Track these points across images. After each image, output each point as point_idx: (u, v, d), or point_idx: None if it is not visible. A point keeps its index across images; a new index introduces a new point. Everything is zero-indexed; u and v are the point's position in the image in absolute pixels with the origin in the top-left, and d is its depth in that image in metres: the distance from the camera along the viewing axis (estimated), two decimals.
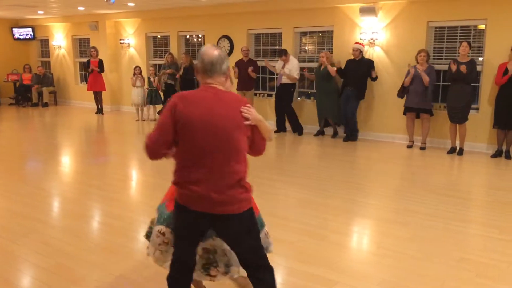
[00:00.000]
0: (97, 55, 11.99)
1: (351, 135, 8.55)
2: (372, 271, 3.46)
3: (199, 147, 2.25)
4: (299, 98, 9.79)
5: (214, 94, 2.32)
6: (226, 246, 2.57)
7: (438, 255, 3.72)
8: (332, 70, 8.42)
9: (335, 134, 8.89)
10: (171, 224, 2.60)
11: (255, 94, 10.19)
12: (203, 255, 2.60)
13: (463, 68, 7.01)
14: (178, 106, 2.26)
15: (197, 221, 2.34)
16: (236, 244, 2.42)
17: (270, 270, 2.45)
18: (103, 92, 12.25)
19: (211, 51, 2.36)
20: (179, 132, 2.26)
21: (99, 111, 12.29)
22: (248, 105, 2.37)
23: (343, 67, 8.55)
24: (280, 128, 9.39)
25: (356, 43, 8.42)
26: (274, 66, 9.43)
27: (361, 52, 8.29)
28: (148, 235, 2.86)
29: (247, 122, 2.32)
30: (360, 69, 8.25)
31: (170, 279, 2.48)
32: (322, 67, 8.61)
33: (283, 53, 9.01)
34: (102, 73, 12.03)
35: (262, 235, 2.67)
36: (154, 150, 2.33)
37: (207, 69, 2.34)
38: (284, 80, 9.09)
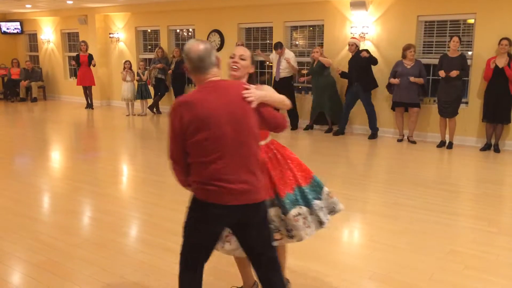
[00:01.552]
0: (86, 50, 11.88)
1: (372, 132, 8.32)
2: (363, 264, 3.49)
3: (214, 141, 2.19)
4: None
5: (214, 88, 2.26)
6: (281, 213, 2.68)
7: (427, 247, 3.76)
8: (326, 61, 8.33)
9: (329, 130, 8.83)
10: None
11: None
12: None
13: (453, 74, 7.06)
14: (181, 111, 2.20)
15: (231, 216, 2.26)
16: (253, 235, 2.36)
17: (278, 268, 2.43)
18: (93, 86, 12.17)
19: (196, 46, 2.28)
20: (191, 135, 2.20)
21: (89, 106, 12.20)
22: (247, 86, 2.32)
23: (346, 70, 8.40)
24: None
25: (353, 38, 8.33)
26: (268, 55, 9.38)
27: (356, 46, 8.21)
28: None
29: (253, 105, 2.27)
30: (360, 63, 8.11)
31: (183, 276, 2.39)
32: (315, 62, 8.56)
33: (278, 46, 8.87)
34: (91, 68, 11.94)
35: (324, 196, 2.83)
36: (179, 167, 2.32)
37: (197, 66, 2.27)
38: (283, 73, 8.98)
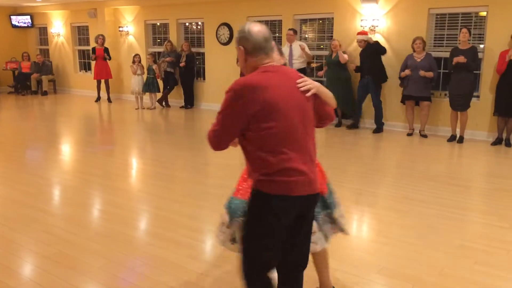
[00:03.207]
0: (103, 43, 11.93)
1: (378, 127, 8.32)
2: (372, 258, 3.48)
3: (284, 129, 2.06)
4: None
5: (277, 72, 2.13)
6: None
7: (437, 242, 3.74)
8: (343, 58, 8.23)
9: (338, 124, 8.72)
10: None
11: None
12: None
13: (461, 59, 6.97)
14: (247, 96, 2.02)
15: (296, 207, 2.14)
16: (303, 231, 2.26)
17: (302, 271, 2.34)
18: (104, 80, 12.21)
19: (258, 27, 2.13)
20: (254, 120, 2.03)
21: (99, 99, 12.27)
22: (302, 75, 2.25)
23: (358, 63, 8.40)
24: None
25: (359, 33, 8.23)
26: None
27: (365, 41, 8.15)
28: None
29: (310, 93, 2.17)
30: (370, 55, 8.09)
31: (252, 276, 2.24)
32: (334, 54, 8.45)
33: (292, 30, 8.78)
34: (108, 61, 12.01)
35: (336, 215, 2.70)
36: (220, 144, 2.14)
37: (262, 47, 2.11)
38: (297, 63, 8.81)
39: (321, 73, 8.82)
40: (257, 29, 2.12)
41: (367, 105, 8.56)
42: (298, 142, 2.11)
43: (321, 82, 8.99)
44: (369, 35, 8.28)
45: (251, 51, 2.13)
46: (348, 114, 8.71)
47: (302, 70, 8.85)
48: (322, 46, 9.47)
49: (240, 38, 2.15)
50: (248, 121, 2.04)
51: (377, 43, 8.14)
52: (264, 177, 2.08)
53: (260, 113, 2.03)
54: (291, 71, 2.23)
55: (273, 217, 2.12)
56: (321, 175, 2.69)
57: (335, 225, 2.75)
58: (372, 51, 8.11)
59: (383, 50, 8.08)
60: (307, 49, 8.73)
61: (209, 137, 2.15)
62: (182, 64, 10.71)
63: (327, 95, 2.31)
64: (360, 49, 8.36)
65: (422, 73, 7.48)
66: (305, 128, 2.14)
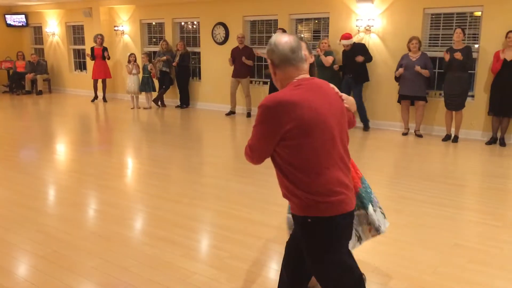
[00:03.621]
0: (102, 43, 11.89)
1: (364, 124, 8.40)
2: (366, 257, 3.49)
3: (323, 143, 2.01)
4: None
5: (311, 85, 2.06)
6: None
7: (431, 241, 3.76)
8: (325, 60, 8.26)
9: None
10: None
11: (251, 82, 10.16)
12: None
13: (458, 55, 7.01)
14: (279, 113, 1.96)
15: (349, 224, 2.14)
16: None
17: None
18: (100, 80, 12.17)
19: (284, 38, 2.07)
20: (289, 138, 1.98)
21: (96, 98, 12.22)
22: (332, 85, 2.22)
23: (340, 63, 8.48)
24: None
25: (343, 38, 8.22)
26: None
27: (349, 44, 8.21)
28: None
29: (346, 105, 2.18)
30: (353, 55, 8.17)
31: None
32: (321, 55, 8.52)
33: (281, 31, 8.88)
34: (106, 61, 11.97)
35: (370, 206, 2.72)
36: (257, 158, 2.12)
37: (288, 59, 2.05)
38: None
39: None
40: (284, 40, 2.07)
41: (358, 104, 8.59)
42: (337, 153, 2.07)
43: None
44: (353, 39, 8.31)
45: (277, 63, 2.09)
46: None
47: None
48: (317, 46, 9.46)
49: (268, 50, 2.11)
50: (281, 138, 1.99)
51: (364, 59, 8.10)
52: (312, 197, 2.00)
53: (294, 131, 1.97)
54: (323, 82, 2.17)
55: (343, 235, 2.13)
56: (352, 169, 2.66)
57: (371, 225, 2.69)
58: (354, 52, 8.16)
59: (369, 59, 8.18)
60: None
61: (246, 151, 2.14)
62: (174, 64, 10.71)
63: (350, 101, 2.31)
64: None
65: (417, 68, 7.50)
66: (342, 139, 2.11)
